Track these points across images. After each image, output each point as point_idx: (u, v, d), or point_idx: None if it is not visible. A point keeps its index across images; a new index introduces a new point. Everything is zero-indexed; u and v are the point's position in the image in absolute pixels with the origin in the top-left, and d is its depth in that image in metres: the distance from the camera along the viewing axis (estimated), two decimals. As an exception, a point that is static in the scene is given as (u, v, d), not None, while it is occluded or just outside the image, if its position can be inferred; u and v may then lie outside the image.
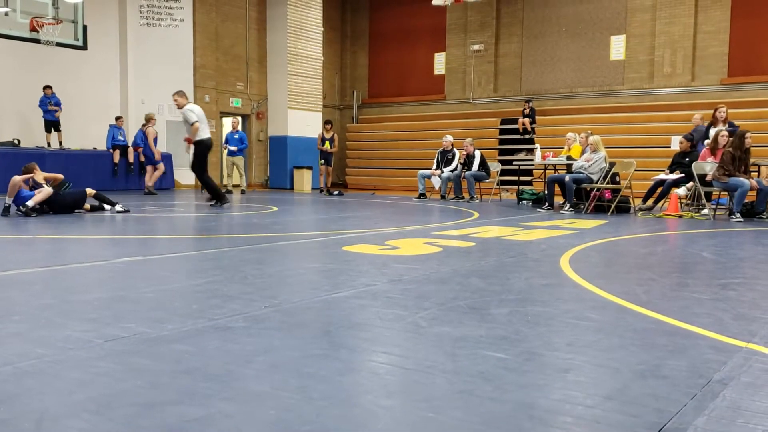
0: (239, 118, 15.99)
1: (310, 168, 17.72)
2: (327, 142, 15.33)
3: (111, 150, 14.49)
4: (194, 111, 9.57)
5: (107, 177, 14.19)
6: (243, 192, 14.77)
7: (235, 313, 2.86)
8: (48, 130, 13.46)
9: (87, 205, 8.44)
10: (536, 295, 3.46)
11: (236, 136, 14.75)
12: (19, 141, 13.69)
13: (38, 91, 13.59)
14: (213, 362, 2.18)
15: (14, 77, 14.03)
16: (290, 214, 9.24)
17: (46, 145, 13.75)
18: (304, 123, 18.48)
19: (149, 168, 13.89)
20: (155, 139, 14.02)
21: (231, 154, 14.68)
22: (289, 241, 5.85)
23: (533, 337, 2.58)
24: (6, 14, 11.92)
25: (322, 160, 15.50)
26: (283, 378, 2.03)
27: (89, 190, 8.49)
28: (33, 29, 12.02)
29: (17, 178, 7.87)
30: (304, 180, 17.58)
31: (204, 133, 9.52)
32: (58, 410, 1.74)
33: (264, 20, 18.43)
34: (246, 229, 7.06)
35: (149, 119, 14.09)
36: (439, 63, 19.71)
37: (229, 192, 14.62)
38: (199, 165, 9.37)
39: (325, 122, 15.99)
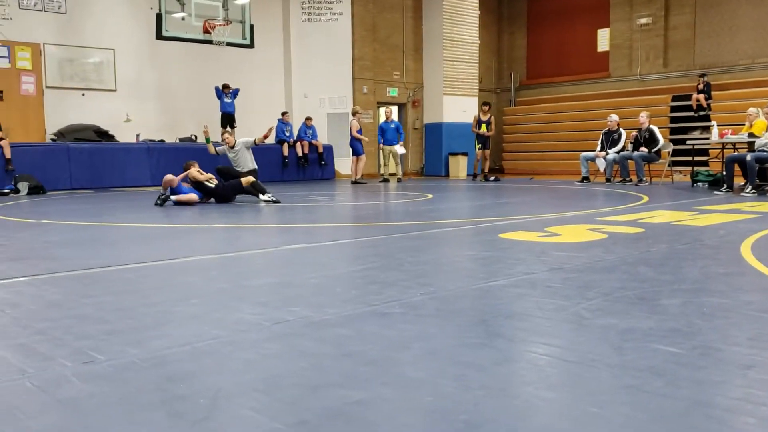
0: (392, 108, 16.25)
1: (465, 154, 17.62)
2: (483, 125, 15.12)
3: (279, 143, 15.31)
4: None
5: (277, 169, 15.02)
6: (399, 180, 15.01)
7: (392, 300, 2.90)
8: (224, 125, 14.45)
9: (249, 179, 8.91)
10: (713, 285, 3.19)
11: (392, 126, 14.99)
12: (196, 137, 14.85)
13: (212, 91, 14.61)
14: (372, 347, 2.22)
15: (191, 77, 15.24)
16: (445, 201, 9.25)
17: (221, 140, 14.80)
18: (460, 109, 18.39)
19: (353, 159, 14.61)
20: (359, 131, 14.69)
21: (388, 143, 14.94)
22: (444, 228, 5.85)
23: (709, 331, 2.38)
24: (182, 19, 12.94)
25: (480, 144, 15.29)
26: (439, 365, 2.03)
27: (243, 180, 8.91)
28: (206, 31, 12.97)
29: (171, 178, 8.51)
30: (459, 166, 17.52)
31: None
32: (231, 389, 1.85)
33: (420, 8, 18.54)
34: (402, 217, 7.16)
35: (354, 113, 14.75)
36: (603, 39, 18.74)
37: (386, 180, 14.92)
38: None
39: (483, 104, 15.75)
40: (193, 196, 8.52)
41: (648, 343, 2.22)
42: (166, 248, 4.83)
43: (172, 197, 8.41)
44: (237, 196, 9.00)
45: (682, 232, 5.20)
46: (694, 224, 5.68)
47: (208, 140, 10.40)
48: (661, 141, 12.17)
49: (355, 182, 14.17)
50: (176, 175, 8.57)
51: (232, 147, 10.05)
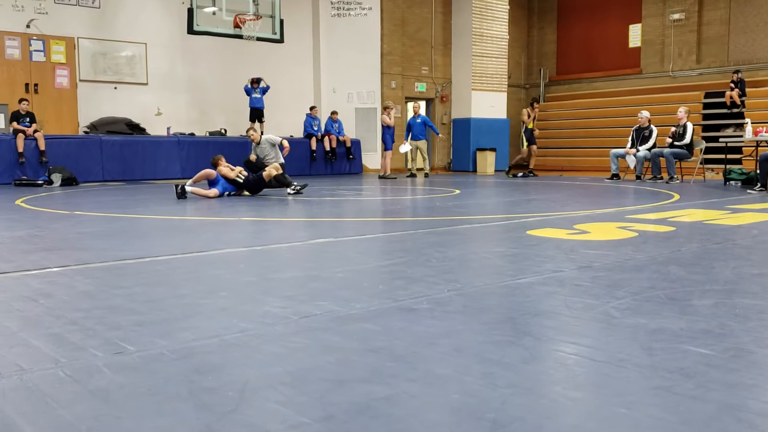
0: (420, 103, 16.21)
1: (493, 150, 17.52)
2: (531, 121, 15.04)
3: (307, 137, 15.37)
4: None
5: (305, 163, 15.08)
6: (426, 175, 14.96)
7: (419, 295, 2.89)
8: (253, 120, 14.56)
9: (270, 172, 8.94)
10: (746, 285, 3.13)
11: (418, 120, 14.92)
12: (226, 130, 14.99)
13: (241, 86, 14.72)
14: (398, 342, 2.22)
15: (221, 71, 15.37)
16: (473, 197, 9.21)
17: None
18: (488, 104, 18.29)
19: (384, 154, 14.61)
20: (389, 128, 14.54)
21: (415, 139, 14.85)
22: (472, 224, 5.83)
23: (742, 332, 2.33)
24: (213, 13, 13.04)
25: (528, 142, 15.14)
26: (466, 363, 2.02)
27: (265, 174, 8.97)
28: (236, 26, 13.06)
29: (210, 172, 8.67)
30: (487, 162, 17.43)
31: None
32: (257, 382, 1.87)
33: (449, 3, 18.44)
34: (429, 212, 7.15)
35: (385, 108, 14.70)
36: (634, 35, 18.48)
37: (413, 175, 14.88)
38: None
39: (532, 101, 15.60)
40: (213, 192, 8.60)
41: (678, 344, 2.19)
42: (195, 241, 4.89)
43: (188, 188, 8.52)
44: (265, 188, 9.08)
45: (714, 231, 5.11)
46: (727, 223, 5.58)
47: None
48: (688, 138, 11.93)
49: (382, 177, 14.14)
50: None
51: (258, 143, 10.18)
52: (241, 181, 8.87)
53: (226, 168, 8.85)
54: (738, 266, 3.62)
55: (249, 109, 14.60)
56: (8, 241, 4.75)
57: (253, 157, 10.02)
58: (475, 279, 3.34)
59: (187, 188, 8.55)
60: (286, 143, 10.08)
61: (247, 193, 9.02)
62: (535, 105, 15.35)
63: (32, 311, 2.69)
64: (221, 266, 3.79)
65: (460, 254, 4.13)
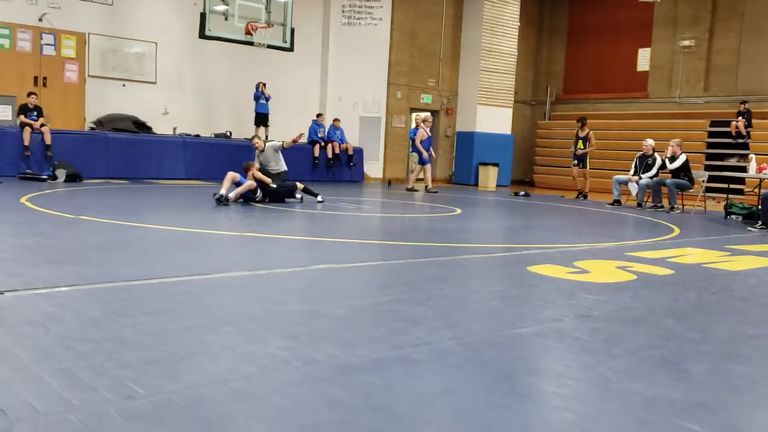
0: (429, 115, 16.29)
1: (496, 165, 17.60)
2: (580, 141, 14.62)
3: (310, 144, 15.43)
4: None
5: (306, 170, 15.13)
6: (427, 188, 14.99)
7: (420, 343, 2.94)
8: (257, 124, 14.62)
9: (298, 195, 9.55)
10: (742, 348, 3.18)
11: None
12: (231, 133, 15.04)
13: (248, 90, 14.77)
14: (399, 399, 2.28)
15: (229, 75, 15.41)
16: (473, 219, 9.26)
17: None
18: (493, 119, 18.37)
19: (418, 167, 14.59)
20: (423, 141, 14.29)
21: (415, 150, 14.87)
22: (472, 254, 5.88)
23: (735, 406, 2.39)
24: (225, 19, 13.08)
25: (576, 161, 14.76)
26: (466, 428, 2.07)
27: (299, 184, 9.61)
28: (248, 32, 13.10)
29: (235, 175, 8.84)
30: (489, 177, 17.49)
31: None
32: (263, 440, 1.92)
33: (460, 17, 18.52)
34: (429, 236, 7.18)
35: (423, 120, 14.43)
36: (643, 59, 18.56)
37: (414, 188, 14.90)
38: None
39: (578, 120, 15.07)
40: (250, 182, 8.93)
41: (672, 417, 2.24)
42: (200, 260, 4.94)
43: (231, 195, 8.69)
44: (287, 198, 9.39)
45: (712, 277, 5.17)
46: (725, 268, 5.62)
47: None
48: (677, 164, 11.89)
49: (428, 191, 14.14)
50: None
51: (262, 151, 10.25)
52: (268, 187, 9.15)
53: (258, 173, 9.14)
54: (734, 323, 3.68)
55: (254, 114, 14.67)
56: (15, 250, 4.80)
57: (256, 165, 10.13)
58: (475, 325, 3.39)
59: (231, 195, 8.68)
60: (289, 141, 10.23)
61: (266, 200, 9.23)
62: (579, 124, 14.66)
63: (42, 340, 2.74)
64: (224, 294, 3.85)
65: (460, 292, 4.18)
